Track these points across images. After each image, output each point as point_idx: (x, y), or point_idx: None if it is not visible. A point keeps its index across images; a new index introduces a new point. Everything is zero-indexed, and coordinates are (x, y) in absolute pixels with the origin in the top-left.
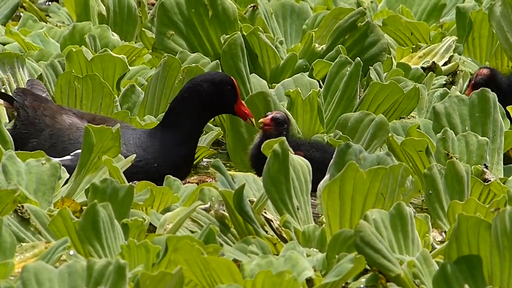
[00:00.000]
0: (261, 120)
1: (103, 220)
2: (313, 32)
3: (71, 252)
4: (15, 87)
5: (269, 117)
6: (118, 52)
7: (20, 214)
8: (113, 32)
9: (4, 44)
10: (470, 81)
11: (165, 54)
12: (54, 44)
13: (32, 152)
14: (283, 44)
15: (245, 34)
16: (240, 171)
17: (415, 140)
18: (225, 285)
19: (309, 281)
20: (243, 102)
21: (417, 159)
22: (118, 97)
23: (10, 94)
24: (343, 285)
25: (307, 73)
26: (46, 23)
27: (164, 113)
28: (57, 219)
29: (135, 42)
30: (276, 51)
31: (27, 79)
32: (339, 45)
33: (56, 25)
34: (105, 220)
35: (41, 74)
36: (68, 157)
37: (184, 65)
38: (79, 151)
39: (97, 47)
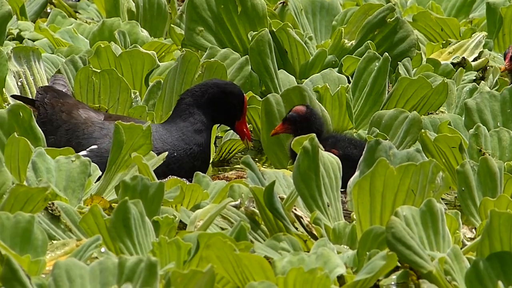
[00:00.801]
0: (273, 131)
1: (134, 217)
2: (343, 28)
3: (102, 250)
4: (37, 86)
5: (280, 123)
6: (147, 48)
7: (50, 211)
8: (142, 28)
9: (33, 41)
10: (505, 54)
11: (183, 49)
12: (83, 40)
13: (62, 148)
14: (312, 40)
15: (275, 30)
16: (274, 165)
17: (449, 136)
18: (257, 282)
19: (340, 278)
20: (246, 122)
21: (450, 155)
22: (145, 93)
23: (27, 88)
24: (375, 282)
25: (336, 69)
26: (76, 19)
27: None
28: (88, 217)
29: (165, 39)
30: (306, 47)
31: (44, 73)
32: (369, 41)
33: (86, 22)
34: (136, 217)
35: (59, 69)
36: (83, 152)
37: (203, 60)
38: (94, 146)
39: (127, 43)
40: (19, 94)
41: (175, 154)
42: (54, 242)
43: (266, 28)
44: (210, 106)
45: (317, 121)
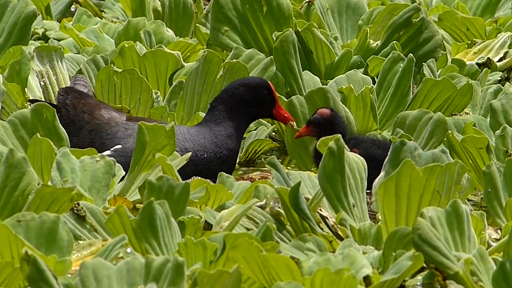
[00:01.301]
0: (296, 134)
1: (159, 218)
2: (368, 28)
3: (128, 250)
4: (60, 86)
5: (305, 126)
6: (173, 48)
7: (76, 211)
8: (167, 28)
9: (59, 40)
10: None
11: (205, 49)
12: (108, 40)
13: (85, 149)
14: (338, 40)
15: (300, 30)
16: (298, 167)
17: (476, 137)
18: (284, 283)
19: (366, 278)
20: (281, 106)
21: (477, 156)
22: (167, 93)
23: (49, 88)
24: (401, 283)
25: (362, 69)
26: (101, 18)
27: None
28: (114, 217)
29: (190, 38)
30: (331, 47)
31: (66, 72)
32: (394, 41)
33: (112, 21)
34: (162, 217)
35: (80, 69)
36: (107, 152)
37: (226, 60)
38: (119, 146)
39: (152, 42)
40: (41, 93)
41: (205, 155)
42: (80, 242)
43: (291, 28)
44: (243, 106)
45: (341, 124)
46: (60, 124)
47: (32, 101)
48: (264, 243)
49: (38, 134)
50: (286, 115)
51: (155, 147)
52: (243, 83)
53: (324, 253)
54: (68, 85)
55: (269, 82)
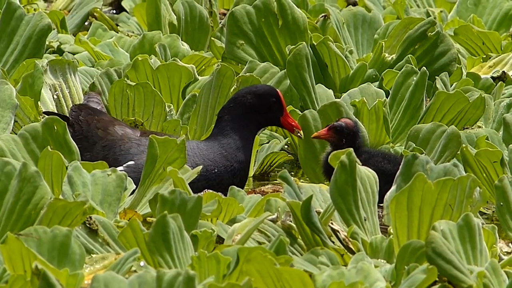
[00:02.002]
0: (315, 134)
1: (173, 232)
2: (383, 42)
3: (141, 264)
4: (71, 104)
5: (326, 127)
6: (188, 62)
7: (88, 225)
8: (183, 42)
9: (73, 54)
10: None
11: (219, 62)
12: (123, 53)
13: (95, 162)
14: (353, 54)
15: (315, 43)
16: (311, 180)
17: (490, 151)
18: None
19: None
20: (289, 114)
21: (491, 170)
22: (180, 106)
23: (62, 101)
24: None
25: (377, 83)
26: (117, 32)
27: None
28: (127, 231)
29: (206, 52)
30: (346, 61)
31: (79, 86)
32: (409, 55)
33: (127, 35)
34: (175, 231)
35: (93, 83)
36: (120, 168)
37: (240, 74)
38: (131, 162)
39: (167, 56)
40: (54, 107)
41: (216, 170)
42: (93, 256)
43: (304, 42)
44: (251, 114)
45: (360, 139)
46: (71, 138)
47: (46, 113)
48: (278, 257)
49: (48, 147)
50: (293, 123)
51: (166, 160)
52: (251, 91)
53: (338, 267)
54: (81, 102)
55: (277, 90)
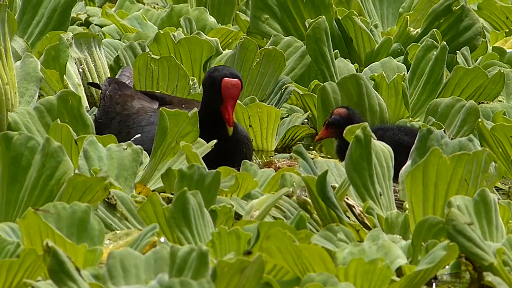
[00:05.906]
0: (317, 137)
1: (192, 208)
2: (408, 16)
3: (162, 239)
4: (97, 78)
5: (323, 128)
6: (214, 35)
7: (106, 200)
8: (210, 15)
9: (101, 27)
10: None
11: (242, 36)
12: (152, 26)
13: (103, 136)
14: (378, 28)
15: (340, 18)
16: (330, 153)
17: (506, 126)
18: (316, 274)
19: (398, 269)
20: (232, 107)
21: (507, 144)
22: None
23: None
24: None
25: (402, 57)
26: (144, 4)
27: None
28: (146, 205)
29: (232, 25)
30: (371, 35)
31: (104, 59)
32: (434, 29)
33: (154, 7)
34: (195, 207)
35: (118, 56)
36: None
37: (263, 48)
38: (138, 135)
39: (193, 29)
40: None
41: None
42: (117, 232)
43: (323, 16)
44: (204, 92)
45: (360, 120)
46: (85, 111)
47: (90, 84)
48: (298, 231)
49: (58, 120)
50: (227, 117)
51: (178, 133)
52: (209, 71)
53: (358, 244)
54: (112, 77)
55: (228, 80)
